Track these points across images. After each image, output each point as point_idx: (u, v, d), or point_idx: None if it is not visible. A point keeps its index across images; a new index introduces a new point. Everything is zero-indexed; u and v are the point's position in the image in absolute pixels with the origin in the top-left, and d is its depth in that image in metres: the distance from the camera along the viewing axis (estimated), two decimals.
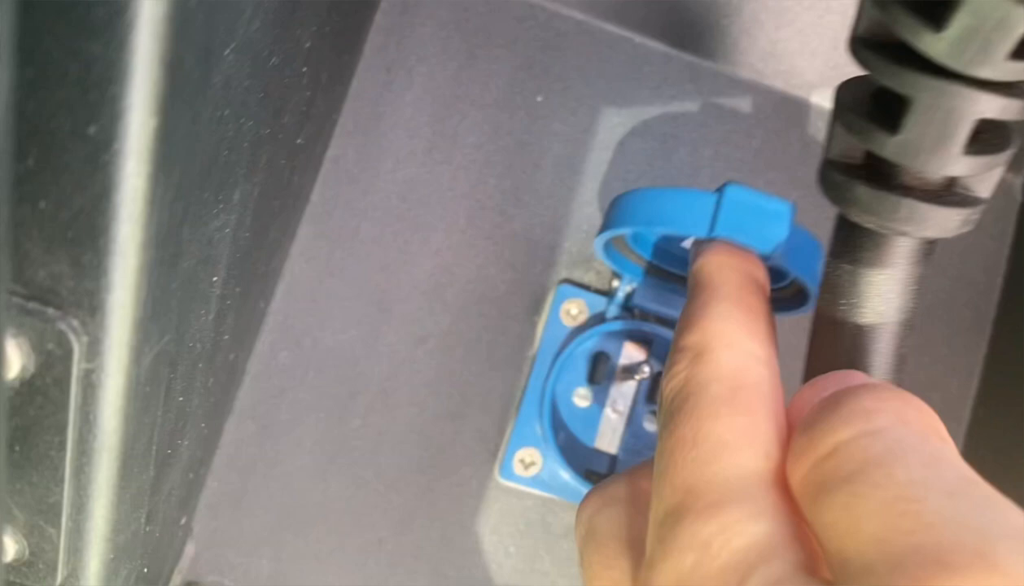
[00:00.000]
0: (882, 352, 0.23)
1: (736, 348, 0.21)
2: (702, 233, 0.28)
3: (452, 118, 0.45)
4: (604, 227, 0.35)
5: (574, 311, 0.44)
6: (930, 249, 0.23)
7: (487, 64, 0.46)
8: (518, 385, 0.44)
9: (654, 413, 0.44)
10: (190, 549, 0.41)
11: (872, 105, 0.21)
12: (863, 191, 0.22)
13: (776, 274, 0.31)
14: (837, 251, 0.23)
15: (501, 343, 0.44)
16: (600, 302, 0.44)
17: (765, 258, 0.26)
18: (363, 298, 0.44)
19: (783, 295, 0.36)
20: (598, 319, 0.44)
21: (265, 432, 0.42)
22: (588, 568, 0.23)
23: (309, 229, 0.44)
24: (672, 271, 0.41)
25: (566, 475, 0.42)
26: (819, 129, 0.47)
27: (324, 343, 0.43)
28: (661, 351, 0.44)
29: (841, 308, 0.23)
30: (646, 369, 0.44)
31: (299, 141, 0.39)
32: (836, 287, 0.23)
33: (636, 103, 0.46)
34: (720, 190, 0.29)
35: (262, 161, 0.30)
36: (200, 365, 0.30)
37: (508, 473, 0.43)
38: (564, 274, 0.45)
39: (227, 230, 0.27)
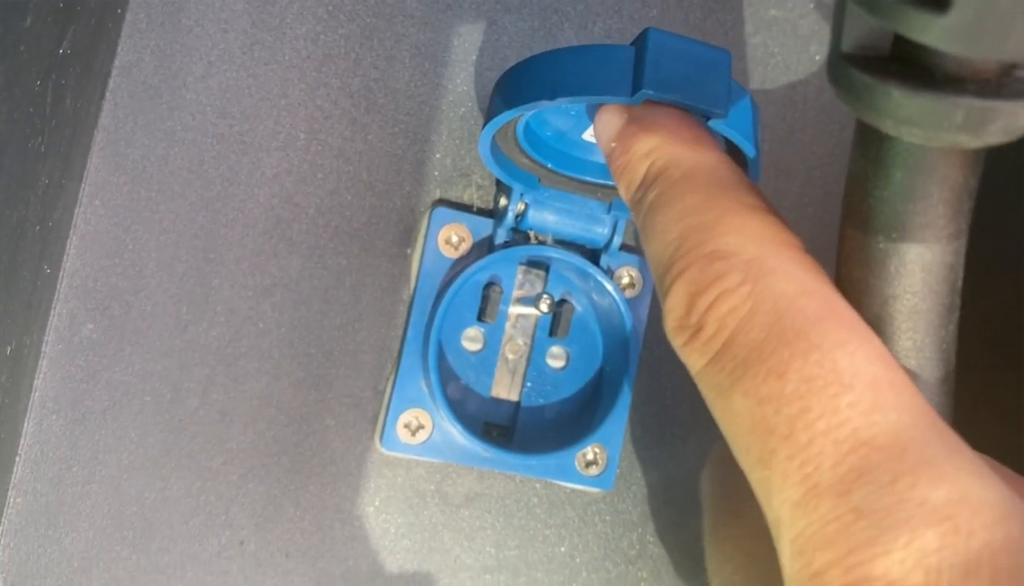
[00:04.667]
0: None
1: (782, 256, 0.21)
2: (623, 95, 0.25)
3: (277, 2, 0.35)
4: (490, 114, 0.28)
5: (455, 238, 0.36)
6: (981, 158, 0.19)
7: None
8: (394, 335, 0.36)
9: (558, 346, 0.38)
10: None
11: None
12: (902, 96, 0.15)
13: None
14: (866, 173, 0.19)
15: (368, 285, 0.36)
16: (486, 225, 0.36)
17: (705, 120, 0.24)
18: (183, 245, 0.34)
19: None
20: (484, 246, 0.36)
21: (76, 427, 0.34)
22: (709, 529, 0.27)
23: (101, 163, 0.34)
24: (572, 176, 0.34)
25: (461, 436, 0.35)
26: None
27: (138, 307, 0.34)
28: (560, 278, 0.37)
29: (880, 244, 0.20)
30: (545, 299, 0.37)
31: (62, 50, 0.29)
32: (869, 219, 0.20)
33: None
34: (639, 40, 0.25)
35: None
36: None
37: (392, 442, 0.35)
38: (438, 194, 0.36)
39: None
